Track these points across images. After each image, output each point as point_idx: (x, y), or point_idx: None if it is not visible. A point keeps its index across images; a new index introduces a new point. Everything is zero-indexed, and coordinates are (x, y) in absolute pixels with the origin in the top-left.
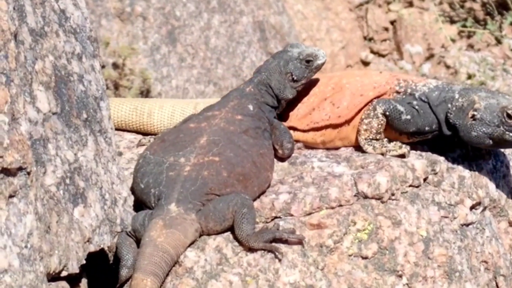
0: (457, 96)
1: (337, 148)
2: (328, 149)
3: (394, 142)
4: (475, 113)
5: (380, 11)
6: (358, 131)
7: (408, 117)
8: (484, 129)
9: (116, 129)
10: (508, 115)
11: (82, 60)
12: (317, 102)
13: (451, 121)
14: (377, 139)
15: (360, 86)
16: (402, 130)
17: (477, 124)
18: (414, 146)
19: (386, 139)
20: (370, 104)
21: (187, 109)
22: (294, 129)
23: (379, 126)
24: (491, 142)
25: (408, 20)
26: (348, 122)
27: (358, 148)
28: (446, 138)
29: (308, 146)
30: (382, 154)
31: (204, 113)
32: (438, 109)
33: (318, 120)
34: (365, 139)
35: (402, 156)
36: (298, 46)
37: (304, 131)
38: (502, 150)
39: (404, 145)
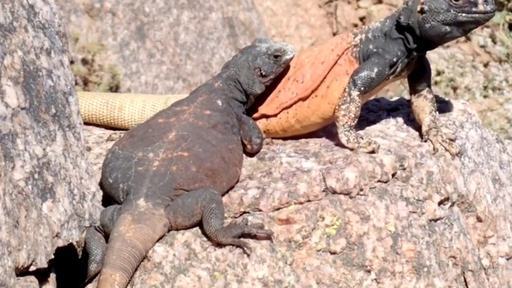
0: (402, 6)
1: (309, 134)
2: (298, 137)
3: (366, 139)
4: (423, 6)
5: (349, 8)
6: (336, 118)
7: (376, 69)
8: (436, 17)
9: (88, 124)
10: None
11: (50, 55)
12: (282, 83)
13: (403, 24)
14: (354, 127)
15: (318, 54)
16: (382, 80)
17: (428, 16)
18: (382, 143)
19: (359, 135)
20: (331, 73)
21: (157, 104)
22: (266, 116)
23: (357, 109)
24: (447, 28)
25: (378, 17)
26: (314, 92)
27: (328, 138)
28: (414, 56)
29: (286, 135)
30: (352, 149)
31: (173, 108)
32: (393, 32)
33: (286, 100)
34: (343, 125)
35: (372, 152)
36: (266, 41)
37: (275, 115)
38: (469, 144)
39: (373, 141)
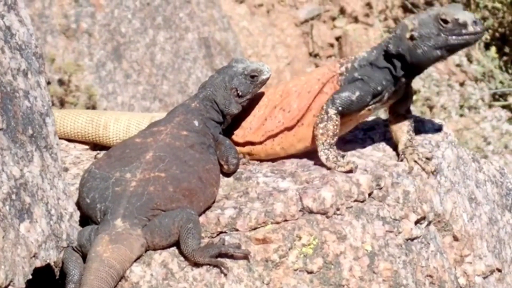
0: (390, 36)
1: (290, 156)
2: (274, 160)
3: (345, 160)
4: (413, 32)
5: (325, 27)
6: (314, 136)
7: (357, 93)
8: (427, 42)
9: (72, 141)
10: (444, 20)
11: (27, 77)
12: (268, 111)
13: (393, 52)
14: (334, 145)
15: (305, 84)
16: (363, 107)
17: (419, 42)
18: (358, 162)
19: (340, 153)
20: (317, 101)
21: (142, 123)
22: (251, 143)
23: (335, 127)
24: (439, 52)
25: (353, 36)
26: (300, 121)
27: (304, 157)
28: (401, 84)
29: (267, 159)
30: (330, 168)
31: (150, 128)
32: (379, 62)
33: (273, 128)
34: (322, 143)
35: (350, 171)
36: (242, 61)
37: (261, 142)
38: (446, 164)
39: (352, 161)
